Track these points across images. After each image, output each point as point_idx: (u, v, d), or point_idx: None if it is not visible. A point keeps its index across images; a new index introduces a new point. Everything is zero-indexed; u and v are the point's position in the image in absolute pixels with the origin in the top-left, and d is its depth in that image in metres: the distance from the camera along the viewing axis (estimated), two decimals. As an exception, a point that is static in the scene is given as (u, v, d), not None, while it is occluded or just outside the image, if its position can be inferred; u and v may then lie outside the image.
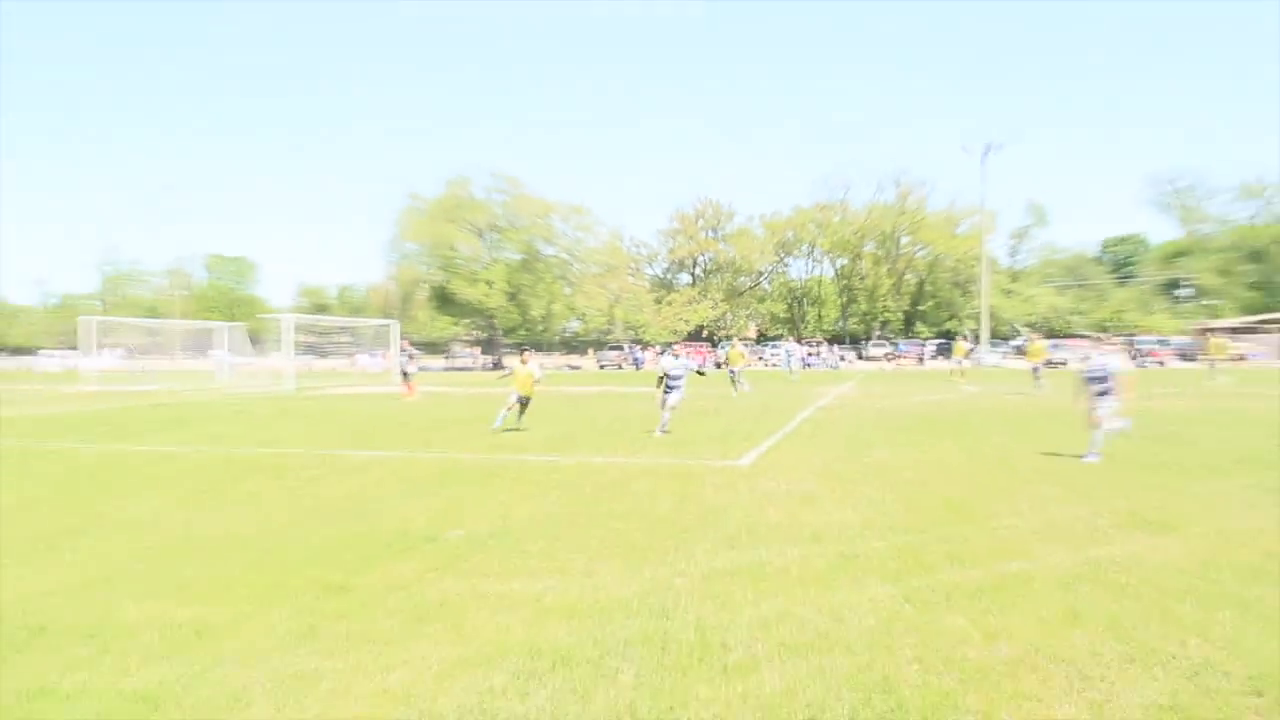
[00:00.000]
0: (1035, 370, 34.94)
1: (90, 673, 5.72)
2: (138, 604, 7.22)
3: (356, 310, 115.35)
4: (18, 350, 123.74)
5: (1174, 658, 5.81)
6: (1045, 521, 10.11)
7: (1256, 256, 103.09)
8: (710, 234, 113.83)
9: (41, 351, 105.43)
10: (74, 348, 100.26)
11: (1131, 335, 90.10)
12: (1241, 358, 65.76)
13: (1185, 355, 78.45)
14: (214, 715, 5.09)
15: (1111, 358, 15.36)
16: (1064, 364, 72.32)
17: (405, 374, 35.89)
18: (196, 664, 5.86)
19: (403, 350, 38.53)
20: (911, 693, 5.29)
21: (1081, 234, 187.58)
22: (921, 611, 6.81)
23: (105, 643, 6.28)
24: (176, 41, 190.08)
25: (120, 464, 15.61)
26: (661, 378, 20.29)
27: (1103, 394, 15.06)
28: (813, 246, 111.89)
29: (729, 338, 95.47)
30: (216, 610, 7.01)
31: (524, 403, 22.07)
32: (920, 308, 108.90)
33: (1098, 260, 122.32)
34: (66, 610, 7.05)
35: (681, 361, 20.71)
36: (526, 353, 23.55)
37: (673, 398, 19.98)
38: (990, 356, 78.28)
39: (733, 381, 34.98)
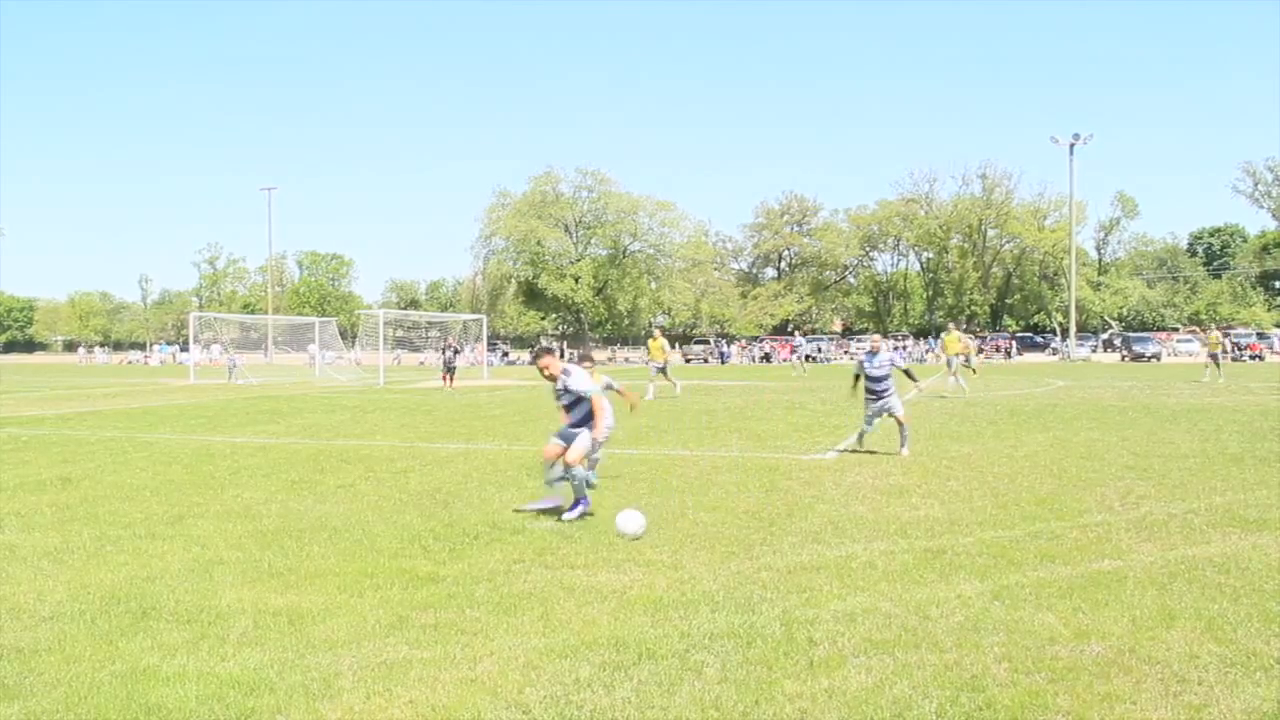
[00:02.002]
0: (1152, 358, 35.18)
1: (189, 656, 5.88)
2: (234, 591, 7.40)
3: (446, 305, 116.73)
4: (119, 345, 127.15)
5: (1277, 663, 5.64)
6: (1137, 518, 9.90)
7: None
8: (795, 228, 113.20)
9: (152, 346, 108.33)
10: (174, 342, 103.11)
11: (1227, 328, 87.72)
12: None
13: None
14: (306, 701, 5.19)
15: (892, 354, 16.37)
16: (1156, 358, 70.77)
17: (451, 368, 37.61)
18: (289, 650, 5.98)
19: (449, 345, 39.73)
20: (1000, 691, 5.23)
21: (1173, 226, 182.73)
22: (1010, 609, 6.71)
23: (203, 628, 6.45)
24: (276, 43, 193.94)
25: (217, 455, 16.00)
26: (858, 377, 16.14)
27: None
28: (898, 240, 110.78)
29: (814, 331, 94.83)
30: (309, 598, 7.16)
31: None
32: (1007, 301, 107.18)
33: (1190, 252, 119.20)
34: (167, 596, 7.25)
35: (884, 358, 15.78)
36: (658, 329, 24.72)
37: (886, 404, 15.52)
38: (1081, 350, 76.73)
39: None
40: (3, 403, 30.83)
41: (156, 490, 12.33)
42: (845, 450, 15.78)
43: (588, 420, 10.44)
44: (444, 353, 39.32)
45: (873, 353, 15.98)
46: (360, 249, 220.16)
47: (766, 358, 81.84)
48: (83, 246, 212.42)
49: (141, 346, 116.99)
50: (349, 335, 70.78)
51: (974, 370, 41.21)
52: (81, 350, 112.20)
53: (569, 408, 10.66)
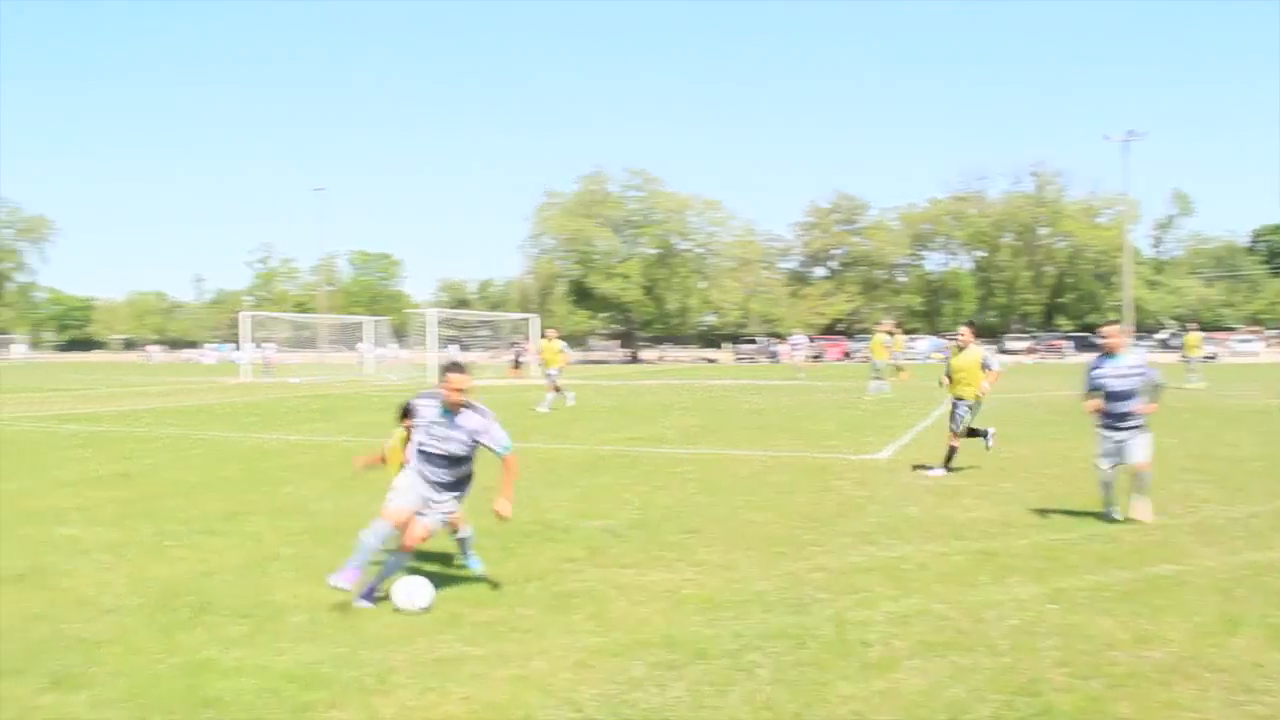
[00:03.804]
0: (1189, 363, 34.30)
1: (246, 650, 5.95)
2: (289, 586, 7.48)
3: (496, 304, 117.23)
4: (175, 344, 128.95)
5: (1345, 671, 5.54)
6: (1197, 521, 9.76)
7: None
8: (844, 227, 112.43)
9: (206, 346, 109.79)
10: (228, 341, 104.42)
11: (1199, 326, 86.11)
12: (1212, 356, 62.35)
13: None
14: (361, 695, 5.24)
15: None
16: (1213, 358, 69.65)
17: (520, 362, 39.95)
18: (344, 645, 6.04)
19: (516, 344, 42.00)
20: (1057, 696, 5.16)
21: (1232, 223, 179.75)
22: (1067, 613, 6.64)
23: (260, 622, 6.52)
24: (328, 43, 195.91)
25: (272, 452, 16.19)
26: (1096, 393, 10.15)
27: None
28: (949, 239, 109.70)
29: (865, 331, 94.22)
30: (364, 595, 7.22)
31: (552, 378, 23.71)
32: (1061, 300, 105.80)
33: (1249, 250, 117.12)
34: (225, 591, 7.35)
35: (1132, 361, 10.13)
36: (551, 330, 25.75)
37: (1132, 447, 9.88)
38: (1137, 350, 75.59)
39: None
40: (64, 400, 31.36)
41: (213, 487, 12.49)
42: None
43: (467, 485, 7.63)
44: (513, 348, 42.22)
45: (1109, 354, 10.12)
46: (411, 248, 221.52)
47: (817, 357, 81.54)
48: (139, 247, 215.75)
49: (196, 345, 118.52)
50: (400, 334, 71.20)
51: (900, 369, 40.94)
52: (151, 349, 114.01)
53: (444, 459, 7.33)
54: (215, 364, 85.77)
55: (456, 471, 7.26)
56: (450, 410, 7.14)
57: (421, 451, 7.18)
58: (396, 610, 6.73)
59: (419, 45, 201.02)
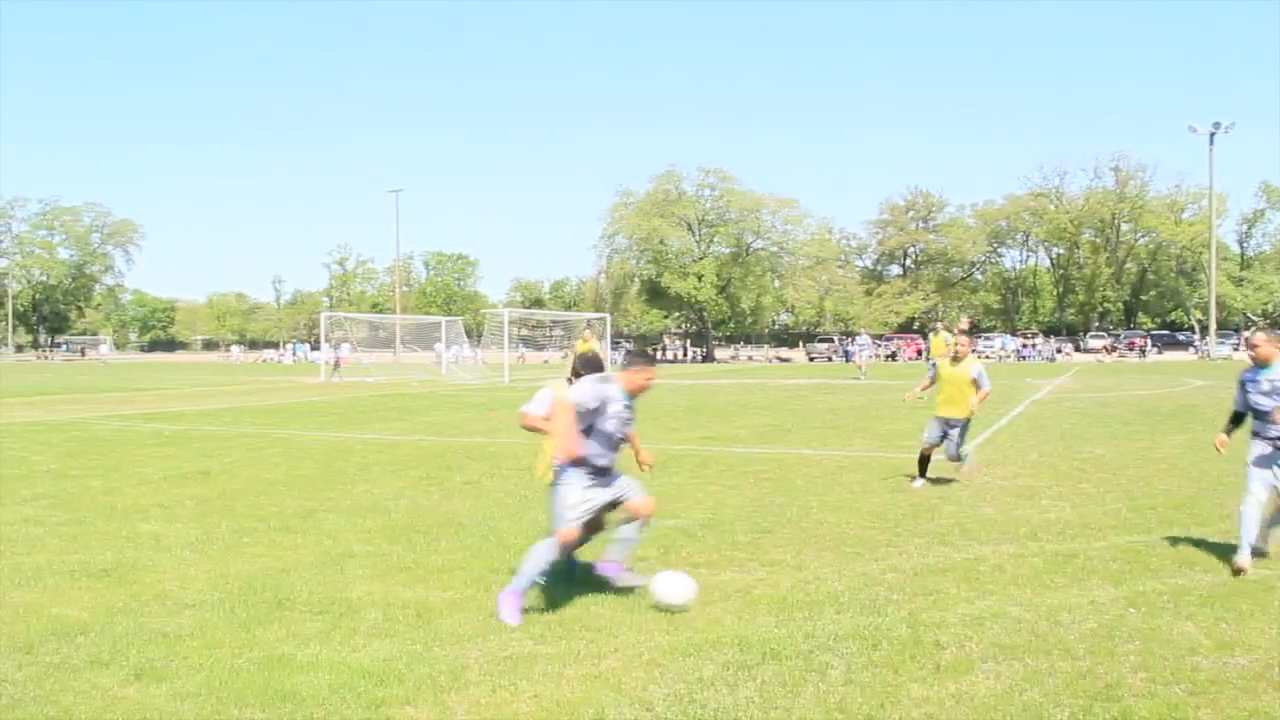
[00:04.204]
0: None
1: (322, 646, 6.03)
2: (364, 584, 7.57)
3: (569, 304, 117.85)
4: (255, 344, 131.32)
5: None
6: (1285, 524, 9.49)
7: None
8: (920, 224, 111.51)
9: (285, 346, 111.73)
10: (304, 341, 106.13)
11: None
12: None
13: None
14: (434, 692, 5.28)
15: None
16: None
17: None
18: (418, 642, 6.10)
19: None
20: (1136, 702, 5.06)
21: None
22: (1147, 617, 6.50)
23: (335, 619, 6.61)
24: (405, 45, 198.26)
25: (347, 451, 16.41)
26: (1243, 415, 8.90)
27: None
28: (1027, 235, 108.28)
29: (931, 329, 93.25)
30: (436, 592, 7.29)
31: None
32: (1142, 298, 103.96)
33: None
34: (301, 587, 7.45)
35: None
36: (587, 330, 24.05)
37: None
38: (1222, 348, 73.97)
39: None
40: (148, 399, 32.08)
41: (290, 485, 12.69)
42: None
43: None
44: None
45: (1261, 365, 8.49)
46: (485, 249, 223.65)
47: (893, 356, 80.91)
48: (220, 249, 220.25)
49: (275, 345, 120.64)
50: (474, 334, 71.88)
51: (860, 368, 40.22)
52: (232, 349, 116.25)
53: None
54: (294, 364, 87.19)
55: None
56: (633, 397, 7.16)
57: (606, 435, 6.99)
58: (657, 606, 6.69)
59: (495, 45, 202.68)
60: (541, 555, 6.77)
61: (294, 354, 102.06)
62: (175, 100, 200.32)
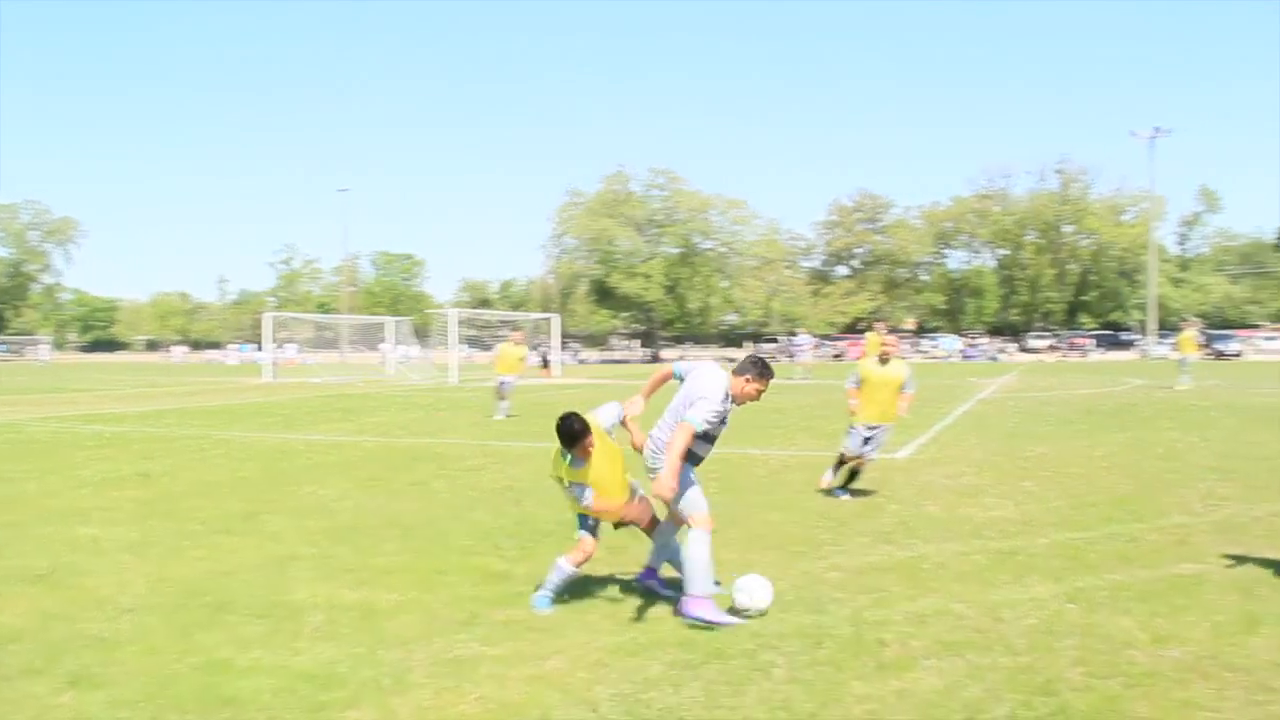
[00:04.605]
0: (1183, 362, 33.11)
1: (263, 650, 5.97)
2: (307, 586, 7.50)
3: (518, 304, 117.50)
4: (198, 345, 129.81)
5: (1367, 671, 5.48)
6: (1219, 520, 9.69)
7: None
8: (867, 226, 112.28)
9: (229, 347, 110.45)
10: (249, 342, 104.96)
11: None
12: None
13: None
14: (378, 695, 5.25)
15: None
16: (1238, 355, 69.23)
17: (547, 361, 39.86)
18: (362, 645, 6.05)
19: (540, 344, 42.07)
20: (1074, 696, 5.13)
21: (1260, 220, 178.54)
22: (1086, 612, 6.59)
23: (278, 622, 6.54)
24: (350, 45, 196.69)
25: (292, 452, 16.25)
26: None
27: None
28: (972, 237, 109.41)
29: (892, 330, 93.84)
30: (381, 594, 7.24)
31: (508, 387, 22.16)
32: (1084, 298, 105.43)
33: (1276, 247, 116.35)
34: (243, 590, 7.37)
35: None
36: (516, 334, 23.82)
37: None
38: (1161, 348, 75.24)
39: None
40: (87, 400, 31.56)
41: (232, 487, 12.55)
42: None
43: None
44: (536, 349, 42.05)
45: None
46: (433, 248, 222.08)
47: (838, 356, 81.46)
48: (163, 248, 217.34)
49: (219, 346, 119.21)
50: (422, 334, 71.46)
51: (802, 368, 40.26)
52: (175, 350, 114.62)
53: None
54: (238, 365, 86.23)
55: None
56: (738, 403, 7.03)
57: (708, 437, 6.93)
58: (735, 610, 6.54)
59: (442, 45, 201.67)
60: (701, 552, 6.63)
61: (240, 354, 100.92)
62: (119, 97, 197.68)
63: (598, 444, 6.85)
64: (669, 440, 6.69)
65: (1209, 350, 71.55)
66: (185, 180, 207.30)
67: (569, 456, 6.82)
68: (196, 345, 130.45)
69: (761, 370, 6.98)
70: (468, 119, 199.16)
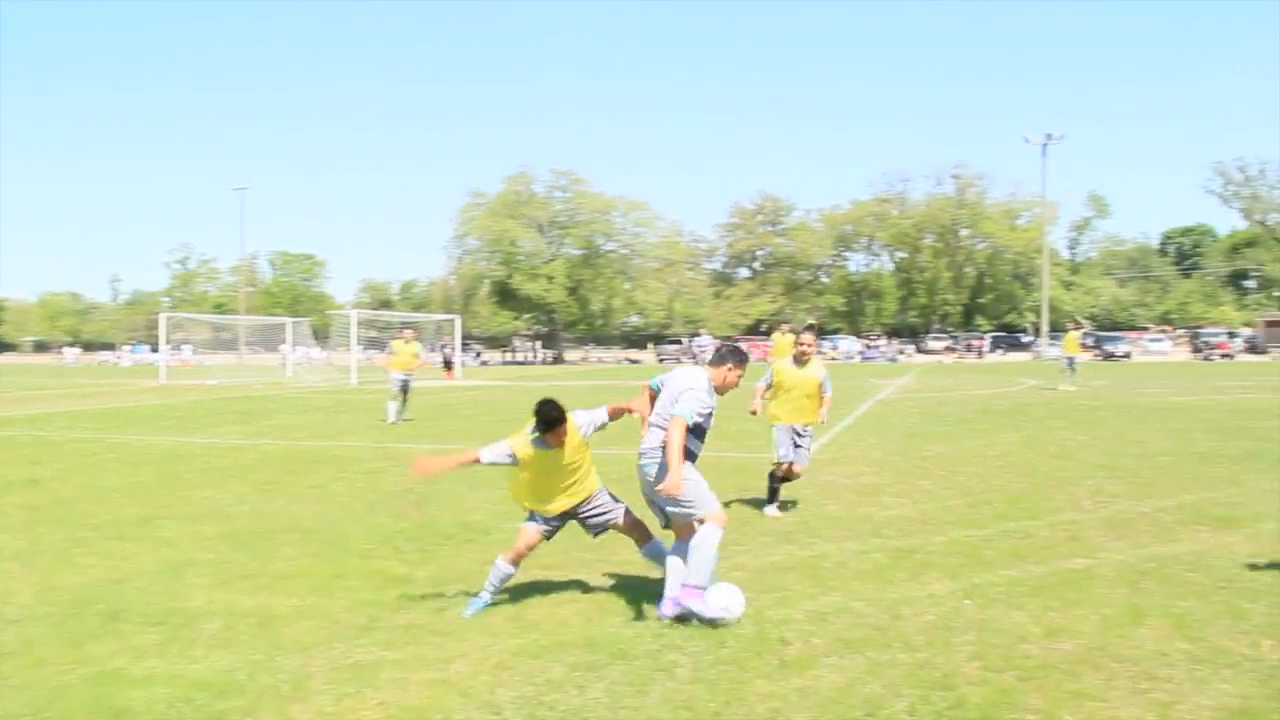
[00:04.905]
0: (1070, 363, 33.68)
1: (158, 659, 5.84)
2: (204, 593, 7.35)
3: (419, 306, 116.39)
4: (90, 345, 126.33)
5: (1245, 659, 5.68)
6: (1108, 516, 9.98)
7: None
8: (769, 228, 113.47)
9: (122, 348, 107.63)
10: (144, 343, 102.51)
11: (1197, 328, 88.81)
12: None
13: (1255, 348, 77.21)
14: (277, 703, 5.17)
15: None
16: (1127, 356, 71.38)
17: (450, 363, 39.49)
18: (260, 652, 5.95)
19: (445, 345, 41.75)
20: (971, 690, 5.24)
21: (1145, 225, 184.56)
22: (982, 608, 6.74)
23: (173, 630, 6.40)
24: (249, 41, 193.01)
25: (188, 456, 15.89)
26: None
27: None
28: (871, 240, 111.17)
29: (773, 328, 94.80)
30: (280, 600, 7.13)
31: (406, 388, 21.61)
32: (980, 300, 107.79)
33: (1160, 251, 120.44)
34: (137, 598, 7.20)
35: None
36: (408, 331, 23.06)
37: None
38: (1053, 349, 77.15)
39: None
40: (-30, 404, 30.51)
41: (126, 492, 12.24)
42: None
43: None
44: (442, 350, 41.45)
45: None
46: (333, 249, 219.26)
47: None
48: (53, 247, 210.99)
49: (112, 347, 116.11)
50: (322, 335, 70.40)
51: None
52: (69, 351, 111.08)
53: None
54: (132, 366, 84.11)
55: None
56: (721, 393, 7.10)
57: (699, 431, 6.83)
58: (709, 621, 6.36)
59: (342, 43, 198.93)
60: (712, 546, 6.60)
61: (134, 355, 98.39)
62: (4, 95, 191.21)
63: (569, 439, 6.89)
64: (664, 440, 6.66)
65: (1099, 352, 73.72)
66: (78, 176, 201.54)
67: (535, 437, 6.82)
68: (89, 346, 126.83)
69: (740, 358, 7.11)
70: (369, 117, 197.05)
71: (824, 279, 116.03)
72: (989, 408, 24.63)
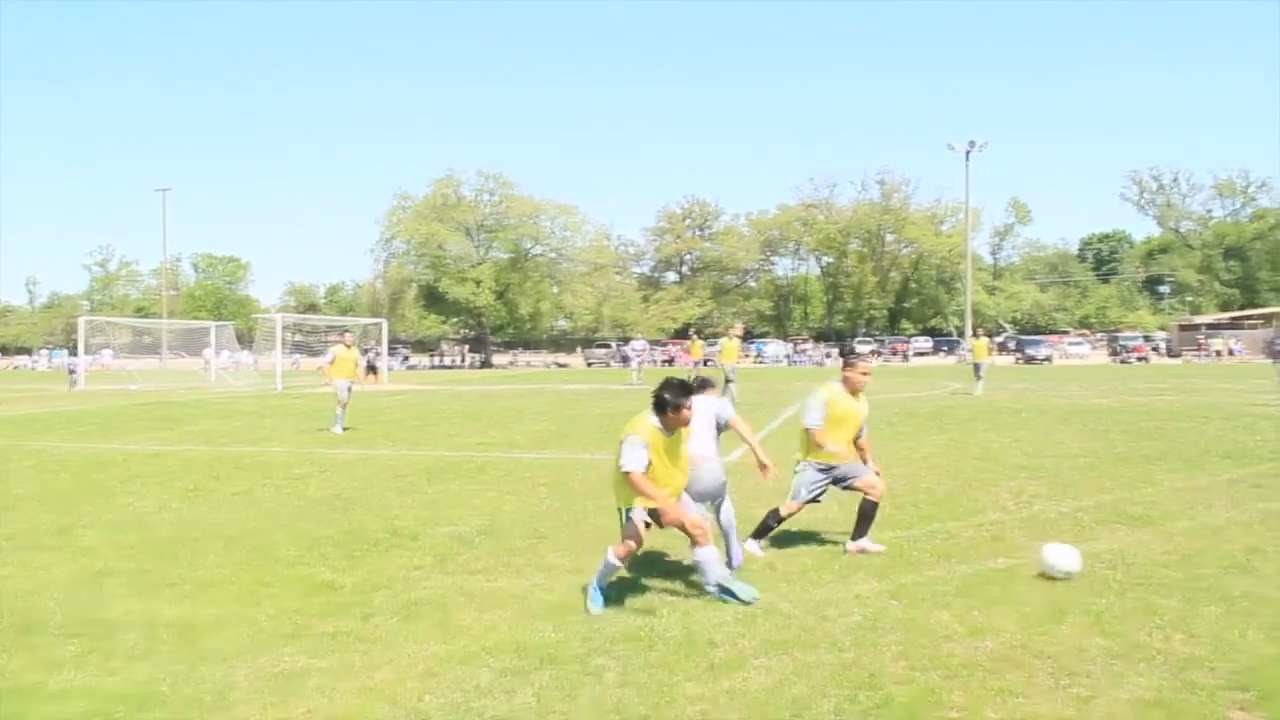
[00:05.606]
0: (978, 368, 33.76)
1: (75, 672, 5.72)
2: (124, 603, 7.22)
3: (345, 309, 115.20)
4: (5, 350, 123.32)
5: (1158, 653, 5.83)
6: (1029, 516, 10.16)
7: (1235, 253, 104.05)
8: (697, 233, 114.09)
9: (39, 352, 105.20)
10: (63, 347, 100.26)
11: (1115, 331, 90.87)
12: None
13: (1171, 351, 79.18)
14: (199, 714, 5.09)
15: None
16: (1048, 360, 72.74)
17: (374, 368, 39.79)
18: (181, 662, 5.85)
19: (369, 348, 41.28)
20: (896, 689, 5.31)
21: (1065, 231, 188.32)
22: (907, 608, 6.83)
23: (91, 642, 6.27)
24: (166, 40, 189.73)
25: (108, 462, 15.58)
26: None
27: None
28: (798, 244, 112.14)
29: (716, 335, 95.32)
30: (202, 609, 7.01)
31: (344, 394, 20.74)
32: (905, 305, 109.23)
33: (1080, 257, 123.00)
34: (54, 609, 7.04)
35: None
36: (348, 335, 22.30)
37: None
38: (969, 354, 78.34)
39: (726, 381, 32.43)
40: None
41: (43, 499, 11.97)
42: None
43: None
44: (365, 354, 40.86)
45: None
46: (258, 252, 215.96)
47: (669, 360, 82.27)
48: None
49: (29, 352, 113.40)
50: (246, 339, 69.40)
51: (635, 373, 40.41)
52: None
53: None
54: (49, 371, 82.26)
55: None
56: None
57: None
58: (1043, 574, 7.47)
59: (268, 43, 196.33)
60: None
61: (52, 359, 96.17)
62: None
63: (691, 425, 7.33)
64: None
65: (1020, 355, 75.04)
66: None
67: (659, 422, 7.07)
68: (4, 350, 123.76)
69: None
70: (295, 119, 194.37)
71: (751, 283, 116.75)
72: (914, 410, 24.93)
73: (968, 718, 4.98)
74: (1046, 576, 7.48)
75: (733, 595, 6.94)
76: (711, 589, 7.04)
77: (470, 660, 5.83)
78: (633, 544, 7.03)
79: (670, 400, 6.95)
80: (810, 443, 8.80)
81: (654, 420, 7.02)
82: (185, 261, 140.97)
